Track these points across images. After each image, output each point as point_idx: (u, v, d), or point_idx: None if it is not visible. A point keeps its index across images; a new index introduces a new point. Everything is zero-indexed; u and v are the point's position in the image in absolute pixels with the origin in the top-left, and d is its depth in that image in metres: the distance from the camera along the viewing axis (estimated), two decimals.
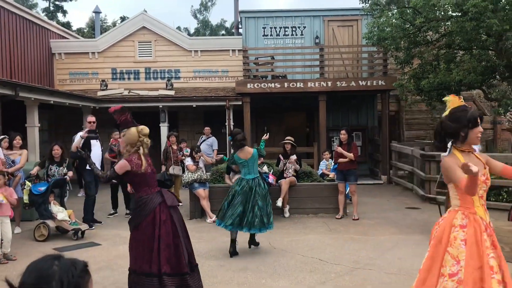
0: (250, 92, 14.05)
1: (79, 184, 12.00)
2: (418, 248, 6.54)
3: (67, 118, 15.37)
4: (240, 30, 16.79)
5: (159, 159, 11.07)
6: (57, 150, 7.94)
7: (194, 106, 14.44)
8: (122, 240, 7.36)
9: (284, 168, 9.06)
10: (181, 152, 10.76)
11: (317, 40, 15.68)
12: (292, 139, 9.18)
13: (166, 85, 15.07)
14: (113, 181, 9.41)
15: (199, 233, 7.75)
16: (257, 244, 6.85)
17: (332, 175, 9.85)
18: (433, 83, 11.29)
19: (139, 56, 15.89)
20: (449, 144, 3.25)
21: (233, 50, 15.86)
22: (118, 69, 15.86)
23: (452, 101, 3.33)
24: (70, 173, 8.06)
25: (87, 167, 8.34)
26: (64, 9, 36.25)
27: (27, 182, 7.58)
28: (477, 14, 9.47)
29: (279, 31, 15.96)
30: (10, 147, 8.22)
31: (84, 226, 7.61)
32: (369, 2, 12.56)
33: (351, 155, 8.64)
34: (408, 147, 12.77)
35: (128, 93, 14.72)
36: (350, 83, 14.04)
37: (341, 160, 8.80)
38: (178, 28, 37.44)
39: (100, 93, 14.58)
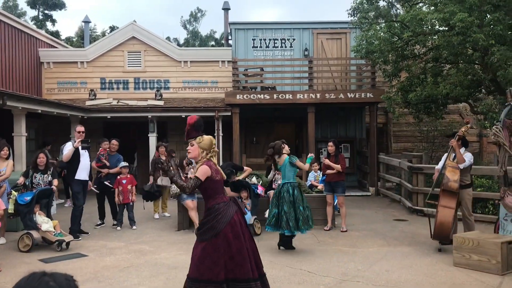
0: (240, 103, 14.09)
1: (66, 194, 11.89)
2: (406, 260, 6.58)
3: (55, 128, 15.26)
4: (230, 42, 16.88)
5: (147, 169, 11.03)
6: (42, 158, 7.89)
7: (183, 116, 14.41)
8: (109, 251, 7.30)
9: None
10: (169, 163, 10.72)
11: (306, 52, 15.80)
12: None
13: (155, 95, 15.05)
14: (96, 190, 9.36)
15: (187, 245, 7.70)
16: (291, 247, 7.29)
17: (320, 186, 9.88)
18: (421, 96, 11.42)
19: (129, 66, 15.87)
20: None
21: (223, 61, 15.91)
22: (107, 78, 15.82)
23: None
24: (56, 181, 8.00)
25: (76, 177, 8.28)
26: (53, 18, 36.16)
27: (13, 192, 7.50)
28: (464, 29, 9.63)
29: (269, 43, 16.07)
30: None
31: (68, 238, 7.52)
32: (358, 15, 12.72)
33: (338, 166, 8.68)
34: (395, 159, 12.87)
35: (117, 103, 14.67)
36: (338, 95, 14.15)
37: (328, 171, 8.84)
38: (168, 38, 37.51)
39: (88, 103, 14.50)
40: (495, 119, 9.23)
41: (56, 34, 32.21)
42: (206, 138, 4.52)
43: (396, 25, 11.91)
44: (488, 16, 10.30)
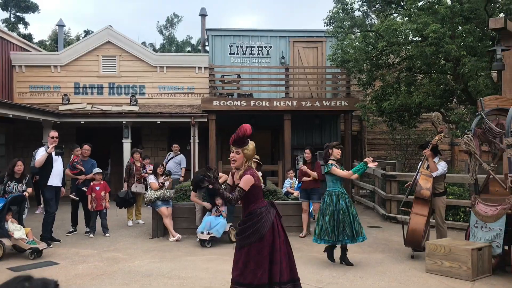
0: (216, 109, 14.07)
1: (38, 201, 11.62)
2: (379, 267, 6.65)
3: (26, 133, 14.94)
4: (207, 48, 16.86)
5: (122, 175, 10.88)
6: (20, 166, 7.66)
7: (159, 122, 14.31)
8: (81, 258, 7.17)
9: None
10: (144, 170, 10.61)
11: (282, 60, 15.91)
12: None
13: (130, 101, 14.89)
14: (76, 198, 9.20)
15: (161, 252, 7.62)
16: (348, 263, 6.84)
17: (296, 193, 9.92)
18: (394, 105, 11.62)
19: (103, 71, 15.68)
20: None
21: (199, 67, 15.88)
22: (81, 83, 15.59)
23: None
24: (30, 190, 7.77)
25: (48, 183, 8.11)
26: (26, 20, 35.43)
27: None
28: (437, 39, 9.86)
29: (246, 50, 16.12)
30: None
31: (42, 245, 7.35)
32: (334, 24, 12.88)
33: (315, 174, 8.74)
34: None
35: (91, 108, 14.46)
36: (314, 103, 14.28)
37: (305, 179, 8.89)
38: (144, 43, 37.21)
39: (62, 108, 14.25)
40: (466, 128, 9.47)
41: (28, 37, 31.58)
42: (251, 147, 4.48)
43: (371, 34, 12.11)
44: (460, 27, 10.59)
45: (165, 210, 8.70)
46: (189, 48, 41.21)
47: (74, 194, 9.22)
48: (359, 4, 12.88)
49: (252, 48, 16.14)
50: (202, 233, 8.01)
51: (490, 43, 10.36)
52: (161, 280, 6.00)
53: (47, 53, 18.70)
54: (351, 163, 14.26)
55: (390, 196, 10.78)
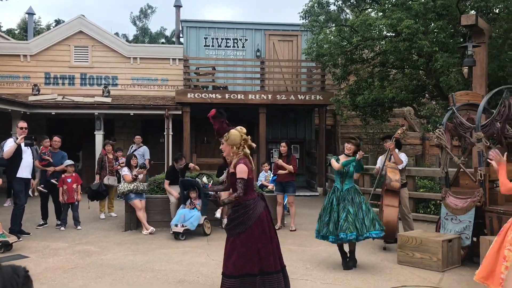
0: (190, 102, 13.96)
1: (7, 193, 11.32)
2: None
3: None
4: (181, 39, 16.69)
5: (94, 168, 10.71)
6: None
7: (132, 114, 14.11)
8: (52, 252, 7.02)
9: (225, 180, 9.04)
10: (117, 162, 10.46)
11: (258, 53, 15.88)
12: (254, 145, 9.21)
13: (103, 92, 14.63)
14: (44, 190, 8.99)
15: (134, 245, 7.54)
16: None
17: (271, 186, 9.95)
18: (368, 99, 11.75)
19: (75, 61, 15.35)
20: None
21: (174, 59, 15.71)
22: (52, 73, 15.23)
23: None
24: (0, 181, 7.57)
25: (17, 175, 7.89)
26: None
27: None
28: (410, 35, 10.00)
29: (221, 42, 16.02)
30: None
31: (12, 238, 7.16)
32: (309, 18, 12.92)
33: (290, 167, 8.77)
34: None
35: (62, 99, 14.14)
36: (289, 96, 14.32)
37: (280, 172, 8.92)
38: (117, 34, 36.52)
39: (31, 98, 13.90)
40: (438, 123, 9.66)
41: None
42: (232, 133, 4.48)
43: (345, 29, 12.20)
44: (432, 24, 10.76)
45: (138, 203, 8.60)
46: (163, 40, 40.70)
47: (42, 186, 9.02)
48: None
49: (228, 41, 16.06)
50: (176, 225, 7.96)
51: (462, 39, 10.58)
52: (134, 273, 5.93)
53: (16, 42, 18.21)
54: (325, 157, 14.38)
55: (363, 189, 10.88)
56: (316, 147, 15.16)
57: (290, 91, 15.02)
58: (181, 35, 16.84)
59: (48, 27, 34.33)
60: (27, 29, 18.66)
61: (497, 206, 6.32)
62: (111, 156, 10.35)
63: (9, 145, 7.95)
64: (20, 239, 7.64)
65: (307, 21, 13.05)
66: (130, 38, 40.32)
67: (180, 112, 13.99)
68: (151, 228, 8.47)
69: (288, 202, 9.21)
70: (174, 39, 21.45)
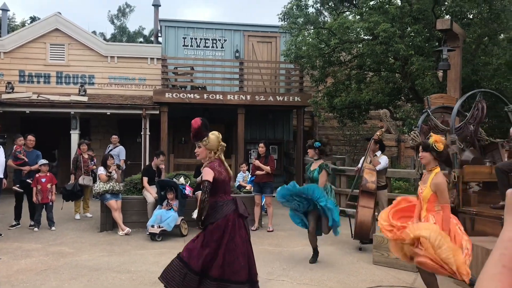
0: (168, 101, 13.86)
1: None
2: (329, 259, 6.79)
3: None
4: (160, 39, 16.56)
5: (69, 168, 10.53)
6: None
7: (108, 113, 13.94)
8: (24, 253, 6.89)
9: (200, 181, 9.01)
10: (92, 162, 10.33)
11: (237, 54, 15.88)
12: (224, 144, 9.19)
13: (79, 91, 14.41)
14: (20, 190, 8.80)
15: (110, 246, 7.45)
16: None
17: (249, 187, 9.96)
18: (345, 101, 11.87)
19: (51, 59, 15.08)
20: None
21: (152, 58, 15.58)
22: (26, 71, 14.93)
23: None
24: None
25: None
26: None
27: None
28: (386, 38, 10.14)
29: (200, 43, 15.96)
30: None
31: None
32: (288, 20, 12.99)
33: (268, 168, 8.80)
34: None
35: (37, 97, 13.88)
36: (268, 97, 14.35)
37: (258, 172, 8.93)
38: (94, 32, 36.07)
39: (5, 96, 13.59)
40: (413, 125, 9.82)
41: None
42: (212, 139, 4.49)
43: (324, 32, 12.29)
44: (409, 28, 10.93)
45: (114, 203, 8.50)
46: (141, 39, 40.32)
47: (18, 186, 8.83)
48: (313, 1, 13.06)
49: (206, 41, 16.01)
50: (152, 226, 7.89)
51: (437, 43, 10.77)
52: (109, 274, 5.86)
53: None
54: (302, 158, 14.46)
55: (339, 190, 11.01)
56: (294, 148, 15.23)
57: (269, 92, 15.06)
58: (159, 35, 16.72)
59: (23, 24, 33.64)
60: (0, 25, 18.23)
61: (470, 207, 6.46)
62: (86, 156, 10.21)
63: None
64: None
65: (286, 23, 13.12)
66: (108, 37, 39.84)
67: (157, 112, 13.88)
68: (127, 229, 8.38)
69: (265, 203, 9.23)
70: (152, 39, 21.29)
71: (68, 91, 14.72)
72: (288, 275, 5.96)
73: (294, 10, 12.81)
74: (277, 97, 14.46)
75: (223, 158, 4.57)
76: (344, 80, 12.90)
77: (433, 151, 4.58)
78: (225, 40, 16.05)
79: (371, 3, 11.38)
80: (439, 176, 4.57)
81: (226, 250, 4.21)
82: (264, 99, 14.30)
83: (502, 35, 11.87)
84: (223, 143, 4.58)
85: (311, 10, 13.15)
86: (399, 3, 11.22)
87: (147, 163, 13.32)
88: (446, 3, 11.20)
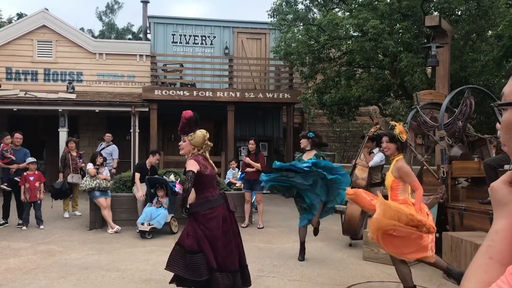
0: (158, 99, 13.80)
1: None
2: (319, 255, 6.81)
3: None
4: (149, 36, 16.47)
5: (57, 166, 10.44)
6: None
7: (97, 111, 13.83)
8: (12, 252, 6.82)
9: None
10: (81, 160, 10.24)
11: (226, 51, 15.83)
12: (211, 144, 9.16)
13: (67, 88, 14.28)
14: (8, 188, 8.71)
15: (99, 244, 7.40)
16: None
17: (239, 184, 9.95)
18: (335, 98, 11.90)
19: (38, 56, 14.93)
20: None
21: (141, 55, 15.48)
22: (13, 68, 14.76)
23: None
24: None
25: None
26: None
27: None
28: (376, 35, 10.17)
29: (189, 39, 15.89)
30: None
31: None
32: (277, 17, 12.98)
33: (258, 165, 8.79)
34: None
35: (25, 94, 13.73)
36: (257, 94, 14.34)
37: (248, 169, 8.92)
38: (82, 29, 35.75)
39: None
40: (402, 121, 9.85)
41: None
42: (198, 135, 4.48)
43: (313, 28, 12.31)
44: (398, 24, 10.98)
45: (103, 201, 8.45)
46: (130, 36, 40.05)
47: (6, 184, 8.74)
48: None
49: (196, 38, 15.94)
50: (142, 224, 7.85)
51: (425, 40, 10.83)
52: (99, 272, 5.82)
53: None
54: (293, 154, 14.48)
55: None
56: (284, 145, 15.25)
57: (259, 89, 15.05)
58: (148, 31, 16.62)
59: (10, 21, 33.24)
60: None
61: (459, 203, 6.51)
62: (74, 154, 10.12)
63: None
64: None
65: (275, 19, 13.11)
66: (96, 33, 39.53)
67: (147, 109, 13.81)
68: (117, 227, 8.33)
69: (256, 200, 9.22)
70: (141, 35, 21.15)
71: (56, 89, 14.58)
72: (279, 272, 5.96)
73: (284, 6, 12.81)
74: (267, 94, 14.45)
75: (207, 155, 4.58)
76: (334, 76, 12.93)
77: (398, 141, 4.68)
78: (214, 37, 16.00)
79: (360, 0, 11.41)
80: (400, 161, 4.69)
81: (225, 242, 4.37)
82: (253, 96, 14.28)
83: (490, 31, 11.98)
84: (209, 143, 4.58)
85: (300, 6, 13.17)
86: (388, 0, 11.26)
87: (137, 160, 13.26)
88: None
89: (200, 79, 14.97)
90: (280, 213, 10.56)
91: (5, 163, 8.74)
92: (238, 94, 14.15)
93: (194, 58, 15.19)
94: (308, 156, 6.71)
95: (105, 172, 8.95)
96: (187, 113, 4.50)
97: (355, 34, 11.77)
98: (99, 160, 8.98)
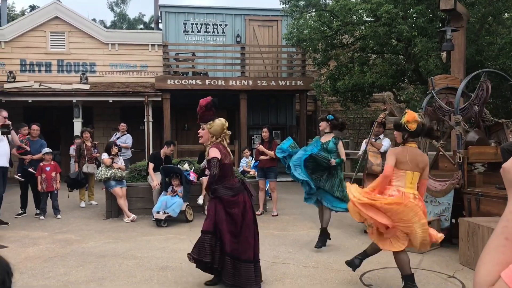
0: (170, 88, 13.82)
1: None
2: (334, 242, 6.80)
3: None
4: (160, 26, 16.46)
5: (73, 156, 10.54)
6: None
7: (111, 101, 13.92)
8: (31, 241, 6.93)
9: (205, 166, 9.02)
10: (96, 149, 10.33)
11: (238, 39, 15.76)
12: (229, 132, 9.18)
13: (81, 79, 14.38)
14: (21, 178, 8.82)
15: (116, 233, 7.48)
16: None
17: (252, 172, 9.96)
18: (348, 84, 11.80)
19: (51, 48, 15.02)
20: None
21: (153, 45, 15.49)
22: (27, 60, 14.89)
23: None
24: None
25: None
26: None
27: None
28: (389, 20, 10.03)
29: (200, 28, 15.85)
30: None
31: None
32: (289, 3, 12.85)
33: (272, 153, 8.77)
34: None
35: (39, 86, 13.85)
36: (270, 82, 14.28)
37: (262, 157, 8.92)
38: (94, 20, 35.82)
39: (7, 86, 13.58)
40: (417, 107, 9.75)
41: None
42: (217, 123, 4.56)
43: (326, 14, 12.17)
44: (412, 9, 10.81)
45: (119, 191, 8.52)
46: (142, 26, 40.07)
47: (19, 174, 8.85)
48: None
49: (207, 26, 15.89)
50: (158, 212, 7.91)
51: (440, 24, 10.66)
52: (116, 260, 5.89)
53: None
54: (306, 142, 14.43)
55: (344, 174, 10.98)
56: (297, 133, 15.20)
57: (271, 77, 14.98)
58: (159, 21, 16.61)
59: (23, 13, 33.47)
60: (0, 15, 18.14)
61: (475, 188, 6.44)
62: (89, 144, 10.20)
63: None
64: None
65: (287, 6, 12.99)
66: (108, 24, 39.60)
67: (160, 99, 13.85)
68: (133, 216, 8.41)
69: (270, 188, 9.23)
70: (152, 25, 21.16)
71: (69, 80, 14.69)
72: (294, 258, 5.97)
73: None
74: (279, 81, 14.39)
75: (225, 144, 4.66)
76: (347, 63, 12.81)
77: (404, 131, 4.55)
78: (226, 25, 15.93)
79: None
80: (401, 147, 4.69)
81: (245, 228, 4.52)
82: (266, 84, 14.23)
83: (506, 14, 11.73)
84: (227, 131, 4.66)
85: None
86: None
87: (151, 150, 13.34)
88: None
89: (212, 67, 14.95)
90: (294, 201, 10.56)
91: (20, 153, 8.85)
92: (250, 82, 14.10)
93: (206, 47, 15.16)
94: (326, 139, 6.63)
95: (120, 162, 9.01)
96: (205, 100, 4.57)
97: (368, 19, 11.61)
98: (114, 150, 9.04)
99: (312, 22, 12.33)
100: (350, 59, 12.99)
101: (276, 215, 8.81)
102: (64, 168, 12.10)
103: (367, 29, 11.22)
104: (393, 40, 11.51)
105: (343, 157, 6.45)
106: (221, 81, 14.04)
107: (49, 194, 8.76)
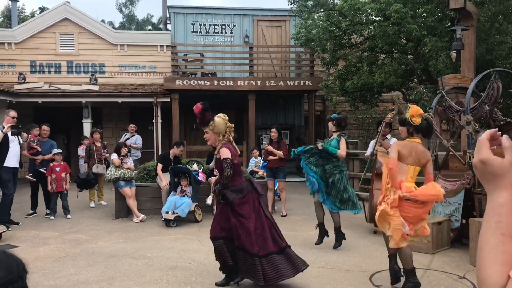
0: (179, 89, 13.85)
1: None
2: (344, 242, 6.77)
3: None
4: (169, 26, 16.51)
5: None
6: None
7: (120, 102, 13.98)
8: (41, 241, 6.98)
9: (214, 166, 9.03)
10: (105, 150, 10.38)
11: (246, 39, 15.77)
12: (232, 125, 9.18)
13: (90, 80, 14.46)
14: (32, 179, 8.89)
15: (125, 233, 7.52)
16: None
17: (261, 172, 9.96)
18: (357, 84, 11.75)
19: (61, 49, 15.12)
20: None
21: (161, 46, 15.54)
22: (37, 61, 15.00)
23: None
24: None
25: (5, 165, 7.78)
26: None
27: None
28: (398, 19, 9.97)
29: (209, 29, 15.88)
30: None
31: (1, 228, 7.08)
32: (297, 3, 12.83)
33: (281, 153, 8.77)
34: None
35: (49, 87, 13.95)
36: (278, 82, 14.27)
37: (270, 157, 8.91)
38: (103, 21, 35.99)
39: (17, 87, 13.69)
40: (427, 107, 9.69)
41: None
42: (218, 121, 4.66)
43: (334, 14, 12.13)
44: (421, 8, 10.73)
45: (128, 191, 8.56)
46: (150, 27, 40.21)
47: (31, 175, 8.92)
48: None
49: (216, 27, 15.91)
50: (167, 213, 7.94)
51: (450, 23, 10.58)
52: (126, 260, 5.92)
53: (0, 30, 17.84)
54: (314, 142, 14.39)
55: (353, 174, 10.95)
56: (306, 133, 15.18)
57: (279, 77, 14.97)
58: (168, 22, 16.66)
59: (33, 14, 33.73)
60: (11, 16, 18.30)
61: None
62: (99, 144, 10.26)
63: None
64: (9, 229, 7.58)
65: (295, 6, 12.96)
66: (117, 25, 39.78)
67: (168, 99, 13.89)
68: (142, 216, 8.44)
69: (278, 188, 9.22)
70: (161, 26, 21.22)
71: (79, 80, 14.78)
72: (304, 259, 5.95)
73: None
74: (288, 81, 14.37)
75: (231, 139, 4.72)
76: (356, 62, 12.76)
77: (409, 125, 4.56)
78: (234, 26, 15.95)
79: None
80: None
81: (257, 225, 4.59)
82: (274, 84, 14.22)
83: None
84: (230, 124, 4.71)
85: None
86: None
87: (160, 151, 13.38)
88: None
89: (221, 68, 14.97)
90: (303, 201, 10.54)
91: (31, 154, 8.92)
92: (259, 82, 14.10)
93: (214, 48, 15.18)
94: (333, 137, 6.68)
95: (130, 162, 9.05)
96: (197, 108, 4.68)
97: (377, 18, 11.55)
98: (124, 150, 9.09)
99: (321, 22, 12.28)
100: (358, 59, 12.93)
101: (285, 216, 8.80)
102: (73, 169, 12.18)
103: (376, 28, 11.16)
104: (402, 40, 11.44)
105: (343, 152, 6.44)
106: (230, 82, 14.06)
107: (59, 194, 8.82)
